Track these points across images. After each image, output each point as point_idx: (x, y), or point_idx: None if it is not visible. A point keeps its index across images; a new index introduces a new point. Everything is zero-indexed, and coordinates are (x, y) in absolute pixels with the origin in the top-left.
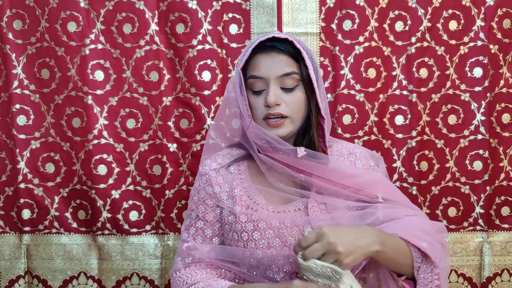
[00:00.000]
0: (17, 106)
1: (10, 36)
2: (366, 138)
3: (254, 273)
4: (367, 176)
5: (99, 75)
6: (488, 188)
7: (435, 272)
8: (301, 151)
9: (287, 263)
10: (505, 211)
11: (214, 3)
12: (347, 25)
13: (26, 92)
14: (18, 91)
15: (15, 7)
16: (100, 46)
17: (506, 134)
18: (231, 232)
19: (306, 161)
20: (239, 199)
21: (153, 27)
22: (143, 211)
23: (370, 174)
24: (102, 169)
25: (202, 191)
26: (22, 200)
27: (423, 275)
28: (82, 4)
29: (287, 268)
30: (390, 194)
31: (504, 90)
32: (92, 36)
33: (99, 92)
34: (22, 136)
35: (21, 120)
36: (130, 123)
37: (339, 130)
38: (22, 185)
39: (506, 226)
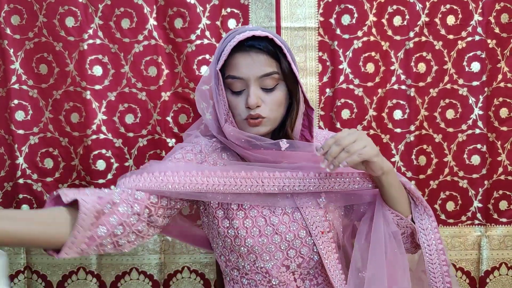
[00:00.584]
0: (16, 101)
1: (8, 31)
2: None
3: (243, 264)
4: None
5: (98, 70)
6: (486, 182)
7: (424, 204)
8: (284, 143)
9: (278, 250)
10: (503, 205)
11: None
12: (345, 19)
13: (24, 87)
14: (16, 86)
15: (12, 2)
16: (98, 41)
17: (504, 128)
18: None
19: (289, 152)
20: None
21: (152, 22)
22: None
23: None
24: (101, 164)
25: (190, 154)
26: (21, 196)
27: (418, 215)
28: None
29: (278, 256)
30: None
31: (501, 84)
32: (90, 31)
33: (97, 87)
34: (21, 132)
35: (19, 115)
36: (129, 118)
37: (338, 125)
38: (21, 181)
39: (504, 220)
